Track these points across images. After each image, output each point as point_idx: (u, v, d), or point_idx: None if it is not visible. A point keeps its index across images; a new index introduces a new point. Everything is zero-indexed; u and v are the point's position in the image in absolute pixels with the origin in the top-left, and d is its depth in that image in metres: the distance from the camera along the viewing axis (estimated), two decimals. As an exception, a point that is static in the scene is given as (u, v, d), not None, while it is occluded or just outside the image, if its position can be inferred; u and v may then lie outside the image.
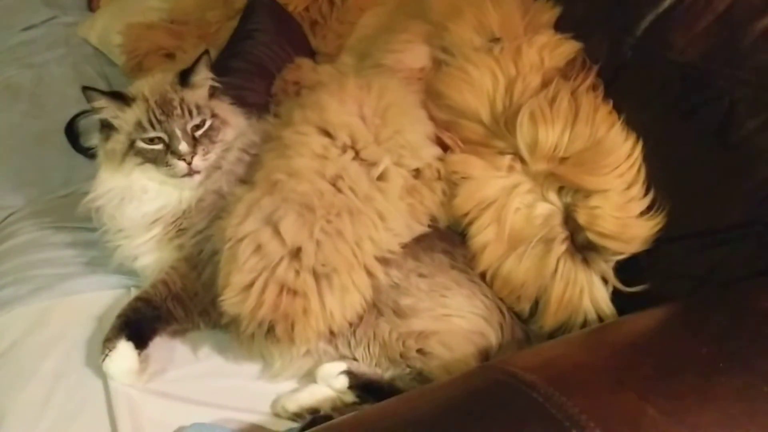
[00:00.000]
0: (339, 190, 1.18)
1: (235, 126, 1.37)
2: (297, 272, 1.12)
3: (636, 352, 0.79)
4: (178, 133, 1.27)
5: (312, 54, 1.85)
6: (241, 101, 1.46)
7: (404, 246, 1.22)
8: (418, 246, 1.24)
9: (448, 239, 1.26)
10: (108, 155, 1.34)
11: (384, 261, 1.19)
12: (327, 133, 1.23)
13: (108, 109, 1.29)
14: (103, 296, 1.40)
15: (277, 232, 1.13)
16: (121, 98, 1.30)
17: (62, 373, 1.24)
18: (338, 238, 1.14)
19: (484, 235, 1.22)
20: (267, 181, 1.19)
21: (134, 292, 1.37)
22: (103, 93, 1.28)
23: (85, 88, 1.27)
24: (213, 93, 1.37)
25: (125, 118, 1.29)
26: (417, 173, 1.27)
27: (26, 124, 2.01)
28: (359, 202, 1.17)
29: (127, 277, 1.42)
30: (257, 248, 1.13)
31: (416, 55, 1.49)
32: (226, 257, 1.15)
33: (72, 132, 1.91)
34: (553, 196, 1.22)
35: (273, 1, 1.87)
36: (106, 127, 1.32)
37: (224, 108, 1.38)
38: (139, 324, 1.23)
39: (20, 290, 1.43)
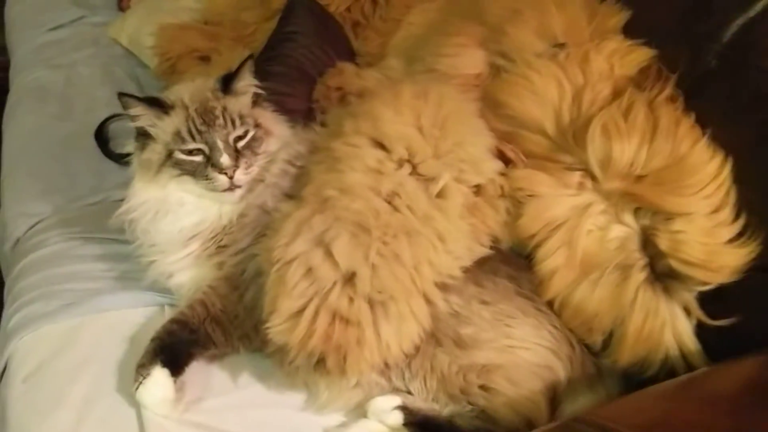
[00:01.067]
0: (396, 209, 1.08)
1: (279, 136, 1.28)
2: (351, 299, 1.02)
3: (754, 408, 0.68)
4: (220, 144, 1.18)
5: (353, 56, 1.75)
6: (281, 108, 1.37)
7: (465, 270, 1.11)
8: (479, 270, 1.13)
9: (512, 263, 1.16)
10: (143, 165, 1.25)
11: (443, 287, 1.09)
12: (382, 146, 1.13)
13: (145, 117, 1.20)
14: (136, 314, 1.31)
15: (329, 254, 1.04)
16: (159, 105, 1.20)
17: (92, 399, 1.15)
18: (395, 262, 1.04)
19: (553, 259, 1.11)
20: (317, 197, 1.10)
21: (169, 311, 1.29)
22: (140, 100, 1.19)
23: (121, 95, 1.18)
24: (256, 101, 1.28)
25: (163, 127, 1.20)
26: (478, 190, 1.16)
27: (54, 127, 1.92)
28: (417, 222, 1.07)
29: (161, 295, 1.33)
30: (308, 272, 1.03)
31: (472, 60, 1.39)
32: (272, 280, 1.06)
33: (102, 136, 1.82)
34: (628, 217, 1.11)
35: (313, 1, 1.78)
36: (142, 136, 1.23)
37: (267, 117, 1.28)
38: (174, 348, 1.14)
39: (48, 306, 1.35)
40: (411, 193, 1.09)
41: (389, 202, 1.08)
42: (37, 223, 1.63)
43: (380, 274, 1.03)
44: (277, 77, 1.60)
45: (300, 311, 1.03)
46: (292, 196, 1.18)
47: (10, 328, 1.33)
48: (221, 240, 1.22)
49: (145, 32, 2.11)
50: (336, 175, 1.11)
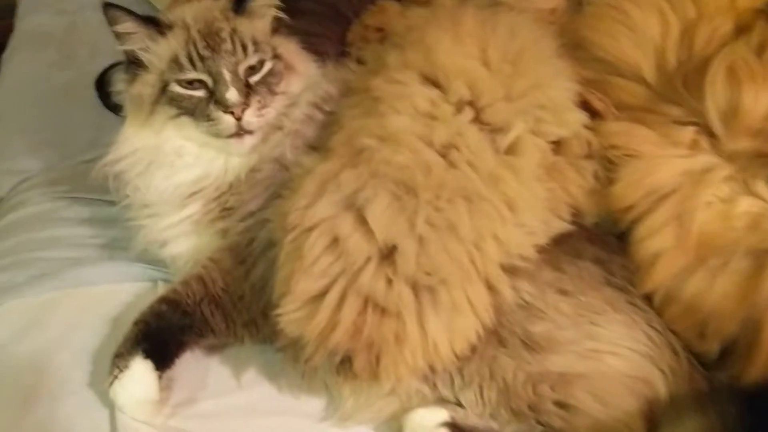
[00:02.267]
0: (452, 165, 0.82)
1: (304, 74, 1.02)
2: (389, 281, 0.77)
3: None
4: (226, 75, 0.93)
5: (397, -2, 1.48)
6: (310, 50, 1.11)
7: (539, 250, 0.85)
8: (558, 250, 0.87)
9: (600, 243, 0.89)
10: (134, 103, 1.00)
11: (511, 270, 0.83)
12: (436, 83, 0.87)
13: (136, 38, 0.96)
14: (122, 290, 1.08)
15: (362, 220, 0.78)
16: (154, 24, 0.96)
17: (57, 395, 0.92)
18: (450, 235, 0.79)
19: (657, 239, 0.84)
20: (349, 147, 0.84)
21: (163, 287, 1.05)
22: (130, 14, 0.94)
23: (108, 5, 0.93)
24: (277, 28, 1.02)
25: (158, 52, 0.96)
26: (559, 146, 0.90)
27: (52, 76, 1.71)
28: (480, 182, 0.81)
29: (154, 268, 1.09)
30: (333, 243, 0.78)
31: (545, -8, 1.12)
32: (287, 252, 0.81)
33: (103, 86, 1.59)
34: (762, 187, 0.83)
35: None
36: (134, 64, 0.99)
37: (290, 49, 1.03)
38: (162, 335, 0.90)
39: (17, 277, 1.12)
40: (473, 145, 0.83)
41: (444, 156, 0.82)
42: (23, 181, 1.41)
43: (429, 249, 0.77)
44: (307, 15, 1.35)
45: (321, 294, 0.78)
46: (317, 148, 0.92)
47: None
48: (227, 201, 0.97)
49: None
50: (375, 120, 0.85)
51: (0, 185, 1.42)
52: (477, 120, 0.85)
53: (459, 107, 0.85)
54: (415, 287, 0.77)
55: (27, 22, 1.97)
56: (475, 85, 0.86)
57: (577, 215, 0.90)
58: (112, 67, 1.59)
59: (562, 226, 0.88)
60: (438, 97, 0.85)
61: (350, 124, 0.87)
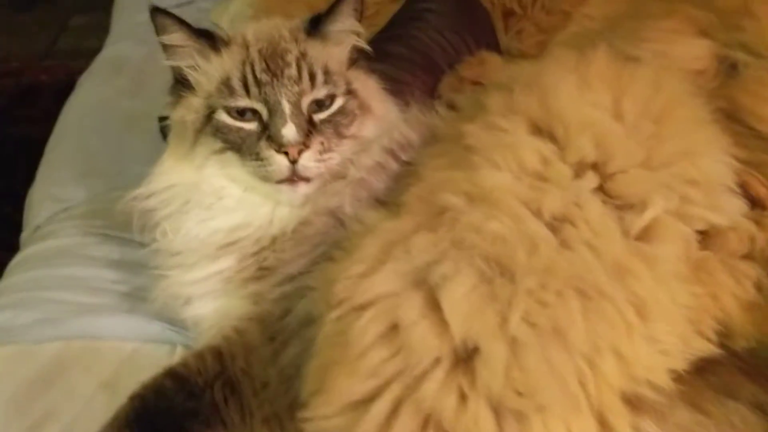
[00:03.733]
0: (565, 245, 0.60)
1: (382, 117, 0.84)
2: (462, 397, 0.54)
3: None
4: (285, 106, 0.75)
5: (499, 52, 1.31)
6: (394, 96, 0.93)
7: (676, 378, 0.61)
8: (701, 383, 0.62)
9: (761, 379, 0.64)
10: (177, 131, 0.84)
11: (634, 402, 0.59)
12: (550, 135, 0.66)
13: (185, 53, 0.80)
14: (132, 350, 0.90)
15: (434, 305, 0.57)
16: (207, 38, 0.79)
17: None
18: (555, 341, 0.56)
19: None
20: (427, 203, 0.64)
21: (182, 353, 0.85)
22: (181, 23, 0.78)
23: (157, 11, 0.78)
24: (355, 61, 0.84)
25: (208, 71, 0.79)
26: (708, 238, 0.66)
27: (120, 103, 1.60)
28: (602, 273, 0.59)
29: (175, 329, 0.90)
30: (391, 330, 0.57)
31: (691, 50, 0.91)
32: (328, 334, 0.60)
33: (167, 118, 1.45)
34: None
35: (456, -21, 1.36)
36: (180, 84, 0.82)
37: (369, 86, 0.85)
38: (160, 419, 0.71)
39: (20, 317, 0.95)
40: (595, 221, 0.61)
41: (555, 232, 0.60)
42: (63, 210, 1.27)
43: (525, 359, 0.55)
44: (396, 60, 1.18)
45: (367, 400, 0.56)
46: (385, 203, 0.72)
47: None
48: (266, 258, 0.78)
49: (247, 16, 1.79)
50: (464, 173, 0.64)
51: (39, 211, 1.29)
52: (602, 189, 0.64)
53: (579, 170, 0.64)
54: (499, 411, 0.54)
55: (110, 49, 1.92)
56: (604, 142, 0.64)
57: (728, 336, 0.65)
58: (180, 99, 1.48)
59: (707, 348, 0.63)
60: (552, 154, 0.64)
61: (431, 176, 0.67)
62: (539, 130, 0.66)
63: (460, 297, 0.56)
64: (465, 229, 0.59)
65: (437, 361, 0.55)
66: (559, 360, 0.55)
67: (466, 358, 0.55)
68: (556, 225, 0.60)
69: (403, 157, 0.77)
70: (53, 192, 1.33)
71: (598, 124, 0.65)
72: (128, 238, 1.08)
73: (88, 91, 1.68)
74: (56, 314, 0.94)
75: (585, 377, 0.56)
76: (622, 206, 0.63)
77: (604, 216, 0.62)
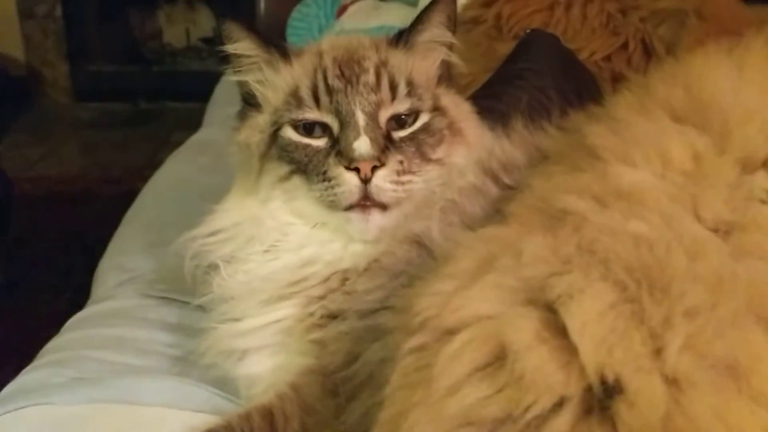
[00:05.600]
0: (737, 257, 0.43)
1: (475, 144, 0.70)
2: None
3: None
4: (360, 117, 0.64)
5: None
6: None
7: None
8: None
9: None
10: (242, 159, 0.74)
11: None
12: (702, 126, 0.51)
13: (253, 65, 0.70)
14: (171, 418, 0.75)
15: (556, 328, 0.41)
16: (278, 48, 0.70)
17: None
18: (732, 383, 0.38)
19: None
20: (540, 209, 0.49)
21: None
22: (249, 30, 0.69)
23: (224, 19, 0.69)
24: (447, 78, 0.73)
25: (276, 84, 0.69)
26: None
27: (199, 179, 1.56)
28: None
29: (226, 396, 0.75)
30: (495, 360, 0.40)
31: None
32: (404, 370, 0.44)
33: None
34: None
35: (558, 42, 1.26)
36: (248, 104, 0.73)
37: (460, 106, 0.73)
38: None
39: (57, 376, 0.83)
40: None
41: (724, 239, 0.43)
42: (129, 280, 1.18)
43: (692, 403, 0.37)
44: (493, 117, 1.06)
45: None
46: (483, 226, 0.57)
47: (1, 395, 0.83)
48: (333, 301, 0.63)
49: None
50: (590, 175, 0.49)
51: (105, 280, 1.21)
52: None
53: (747, 167, 0.48)
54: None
55: (199, 134, 1.94)
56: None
57: None
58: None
59: None
60: (707, 148, 0.49)
61: (544, 185, 0.52)
62: (687, 121, 0.51)
63: (593, 317, 0.40)
64: (596, 231, 0.44)
65: (561, 401, 0.38)
66: (738, 409, 0.37)
67: (602, 399, 0.38)
68: (721, 231, 0.44)
69: (505, 179, 0.63)
70: (121, 262, 1.25)
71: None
72: (190, 302, 0.98)
73: (171, 168, 1.66)
74: (95, 374, 0.82)
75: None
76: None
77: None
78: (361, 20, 2.10)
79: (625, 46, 1.27)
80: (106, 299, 1.07)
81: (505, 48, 1.38)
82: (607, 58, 1.28)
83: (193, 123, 2.40)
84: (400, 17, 2.03)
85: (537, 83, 1.17)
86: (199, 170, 1.61)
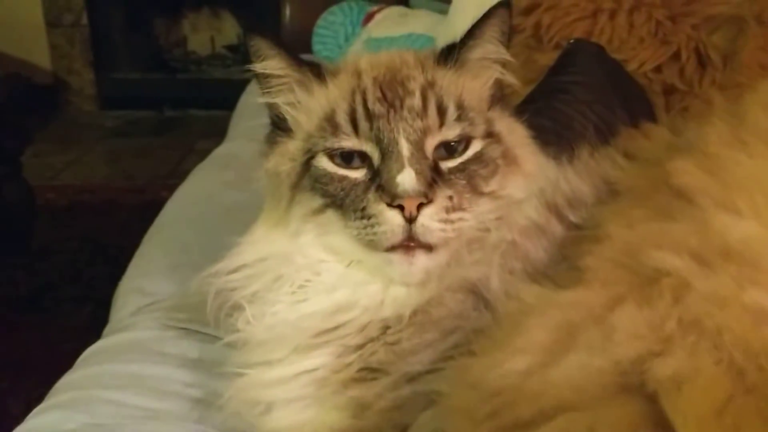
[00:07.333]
0: None
1: (532, 173, 0.62)
2: None
3: None
4: (404, 147, 0.57)
5: (660, 133, 1.09)
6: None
7: None
8: None
9: None
10: (270, 188, 0.67)
11: None
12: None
13: (284, 85, 0.63)
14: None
15: (659, 422, 0.33)
16: (311, 67, 0.63)
17: None
18: None
19: None
20: (625, 268, 0.41)
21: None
22: (280, 47, 0.61)
23: (252, 32, 0.62)
24: (501, 99, 0.65)
25: (309, 106, 0.62)
26: None
27: (222, 195, 1.50)
28: None
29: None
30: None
31: None
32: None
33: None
34: None
35: (603, 52, 1.18)
36: (277, 128, 0.66)
37: (516, 133, 0.65)
38: None
39: (68, 421, 0.77)
40: None
41: None
42: (151, 304, 1.12)
43: None
44: (538, 132, 0.99)
45: None
46: (551, 278, 0.50)
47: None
48: (374, 353, 0.56)
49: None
50: (683, 225, 0.41)
51: (125, 304, 1.15)
52: None
53: None
54: None
55: (223, 147, 1.88)
56: None
57: None
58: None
59: None
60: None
61: (625, 234, 0.44)
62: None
63: (707, 414, 0.32)
64: (702, 301, 0.36)
65: None
66: None
67: None
68: None
69: (571, 217, 0.55)
70: (141, 284, 1.19)
71: None
72: (212, 334, 0.92)
73: (195, 183, 1.61)
74: (110, 419, 0.75)
75: None
76: None
77: None
78: (388, 28, 2.03)
79: (676, 55, 1.18)
80: (123, 329, 1.01)
81: (546, 59, 1.30)
82: (658, 69, 1.19)
83: (218, 131, 2.37)
84: (428, 25, 1.96)
85: (582, 97, 1.10)
86: (222, 186, 1.55)
